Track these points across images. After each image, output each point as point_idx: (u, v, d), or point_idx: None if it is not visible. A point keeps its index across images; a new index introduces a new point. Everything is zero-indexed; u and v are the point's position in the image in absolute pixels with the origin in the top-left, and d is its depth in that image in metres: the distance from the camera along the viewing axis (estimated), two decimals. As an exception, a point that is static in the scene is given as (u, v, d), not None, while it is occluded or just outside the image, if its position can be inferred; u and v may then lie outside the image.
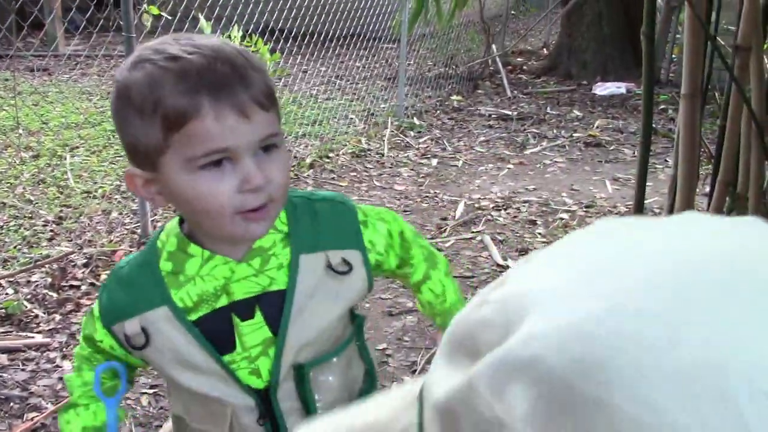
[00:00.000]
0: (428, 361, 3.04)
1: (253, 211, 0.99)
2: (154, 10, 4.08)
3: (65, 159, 5.24)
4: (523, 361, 0.34)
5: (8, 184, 4.78)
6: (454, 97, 7.94)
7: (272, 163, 0.99)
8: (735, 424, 0.30)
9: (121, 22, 3.71)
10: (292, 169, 5.37)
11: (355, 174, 5.49)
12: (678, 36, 8.80)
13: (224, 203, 0.97)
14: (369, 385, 1.23)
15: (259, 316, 1.08)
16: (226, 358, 1.08)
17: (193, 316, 1.07)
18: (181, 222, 1.12)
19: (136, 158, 1.01)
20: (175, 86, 0.93)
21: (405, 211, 4.76)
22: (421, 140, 6.46)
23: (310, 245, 1.10)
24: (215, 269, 1.07)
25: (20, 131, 5.76)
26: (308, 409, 1.11)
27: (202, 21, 4.36)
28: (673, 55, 8.92)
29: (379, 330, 3.31)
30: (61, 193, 4.64)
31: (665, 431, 0.30)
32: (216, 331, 1.08)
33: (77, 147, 5.60)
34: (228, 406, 1.10)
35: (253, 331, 1.08)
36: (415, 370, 2.98)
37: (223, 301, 1.08)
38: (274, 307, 1.08)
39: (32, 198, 4.51)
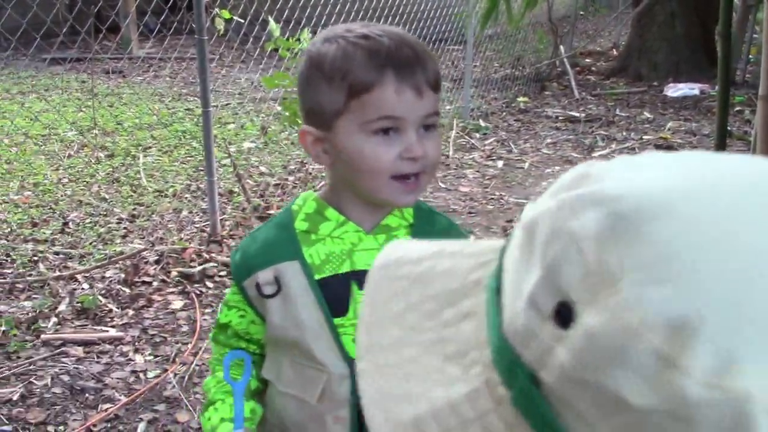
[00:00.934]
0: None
1: (406, 178, 1.12)
2: (226, 14, 4.17)
3: (138, 159, 5.39)
4: (609, 195, 0.41)
5: (84, 183, 4.95)
6: (520, 99, 7.87)
7: (430, 140, 1.13)
8: None
9: (194, 25, 3.80)
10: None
11: (420, 175, 5.49)
12: (755, 36, 8.52)
13: (385, 166, 1.10)
14: None
15: None
16: (337, 321, 1.16)
17: (318, 276, 1.17)
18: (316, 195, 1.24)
19: (313, 118, 1.15)
20: (365, 60, 1.08)
21: (470, 212, 4.74)
22: (486, 142, 6.42)
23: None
24: (346, 234, 1.18)
25: (96, 131, 5.95)
26: None
27: (272, 23, 4.42)
28: (750, 56, 8.64)
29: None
30: (134, 191, 4.78)
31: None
32: (334, 294, 1.17)
33: (150, 147, 5.76)
34: (324, 372, 1.16)
35: None
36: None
37: (346, 267, 1.18)
38: None
39: (107, 196, 4.66)
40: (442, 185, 5.27)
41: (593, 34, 10.24)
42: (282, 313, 1.18)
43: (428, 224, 1.24)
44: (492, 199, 5.02)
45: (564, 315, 0.41)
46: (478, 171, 5.63)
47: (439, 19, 7.52)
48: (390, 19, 6.72)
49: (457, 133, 6.53)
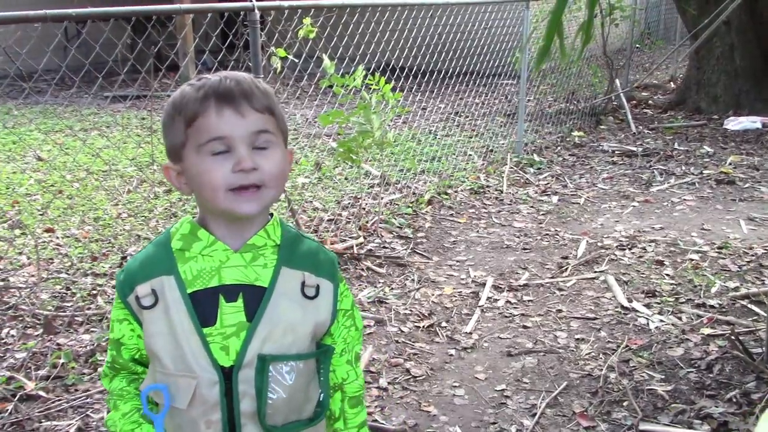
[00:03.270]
0: (549, 405, 2.94)
1: (243, 189, 1.24)
2: (282, 53, 4.23)
3: (195, 194, 5.47)
4: None
5: (143, 218, 5.04)
6: (575, 133, 7.78)
7: (263, 157, 1.25)
8: None
9: (250, 64, 3.87)
10: (411, 204, 5.40)
11: (473, 210, 5.45)
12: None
13: (219, 180, 1.23)
14: (316, 416, 1.36)
15: (240, 301, 1.28)
16: (206, 330, 1.27)
17: (190, 289, 1.28)
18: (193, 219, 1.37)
19: (170, 154, 1.31)
20: (193, 95, 1.26)
21: (525, 248, 4.68)
22: (541, 177, 6.35)
23: (292, 262, 1.33)
24: (215, 252, 1.30)
25: (154, 167, 6.08)
26: (260, 398, 1.27)
27: (327, 61, 4.48)
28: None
29: (498, 370, 3.23)
30: (191, 226, 4.84)
31: None
32: (203, 306, 1.28)
33: (206, 182, 5.84)
34: (194, 378, 1.26)
35: (232, 313, 1.28)
36: (535, 414, 2.88)
37: (215, 282, 1.29)
38: (253, 298, 1.29)
39: (163, 230, 4.73)
40: (496, 220, 5.22)
41: (649, 67, 10.11)
42: (158, 322, 1.28)
43: (294, 245, 1.35)
44: (547, 235, 4.94)
45: None
46: (532, 206, 5.56)
47: (492, 54, 7.52)
48: (443, 55, 6.74)
49: (511, 167, 6.48)
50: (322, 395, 1.37)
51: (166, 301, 1.28)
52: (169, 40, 5.77)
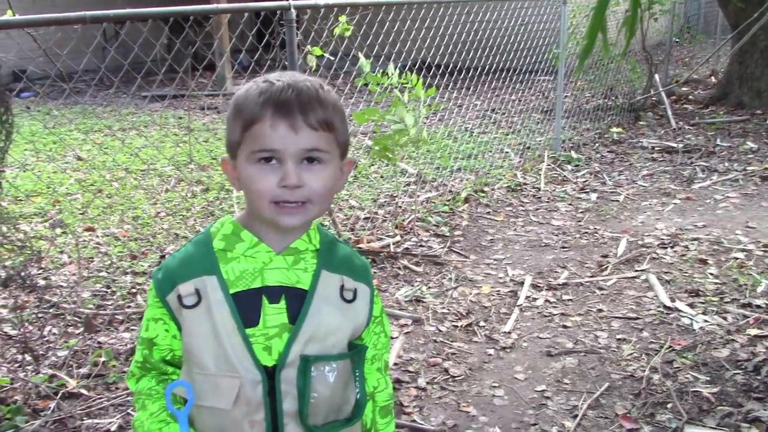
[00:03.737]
0: (590, 407, 2.89)
1: (287, 203, 1.24)
2: (318, 51, 4.22)
3: (232, 193, 5.51)
4: None
5: (181, 216, 5.08)
6: (613, 129, 7.67)
7: (311, 173, 1.25)
8: None
9: (286, 63, 3.87)
10: (447, 203, 5.36)
11: (510, 208, 5.40)
12: None
13: (264, 190, 1.24)
14: (354, 416, 1.37)
15: (283, 303, 1.29)
16: (248, 330, 1.27)
17: (233, 290, 1.29)
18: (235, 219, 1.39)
19: (229, 149, 1.32)
20: (254, 99, 1.25)
21: (563, 247, 4.61)
22: (579, 174, 6.27)
23: (331, 266, 1.35)
24: (258, 254, 1.31)
25: (192, 166, 6.14)
26: (302, 398, 1.27)
27: (362, 59, 4.46)
28: None
29: (538, 370, 3.19)
30: (228, 225, 4.86)
31: None
32: (246, 306, 1.28)
33: (243, 181, 5.87)
34: (238, 378, 1.26)
35: (274, 314, 1.29)
36: (576, 415, 2.83)
37: (257, 283, 1.29)
38: (295, 301, 1.30)
39: (201, 230, 4.76)
40: (534, 218, 5.16)
41: (690, 61, 9.91)
42: (200, 322, 1.28)
43: (331, 250, 1.37)
44: (586, 233, 4.87)
45: None
46: (570, 204, 5.49)
47: (529, 50, 7.44)
48: (479, 51, 6.68)
49: (549, 165, 6.40)
50: (359, 395, 1.38)
51: (208, 301, 1.28)
52: (206, 39, 5.80)
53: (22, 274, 2.94)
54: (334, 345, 1.32)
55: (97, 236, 4.71)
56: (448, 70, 5.83)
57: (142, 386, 1.38)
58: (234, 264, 1.30)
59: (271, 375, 1.27)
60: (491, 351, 3.36)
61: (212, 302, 1.28)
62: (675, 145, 7.08)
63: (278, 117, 1.23)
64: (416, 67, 4.89)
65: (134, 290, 3.89)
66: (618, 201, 5.54)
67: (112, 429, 2.74)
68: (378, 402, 1.47)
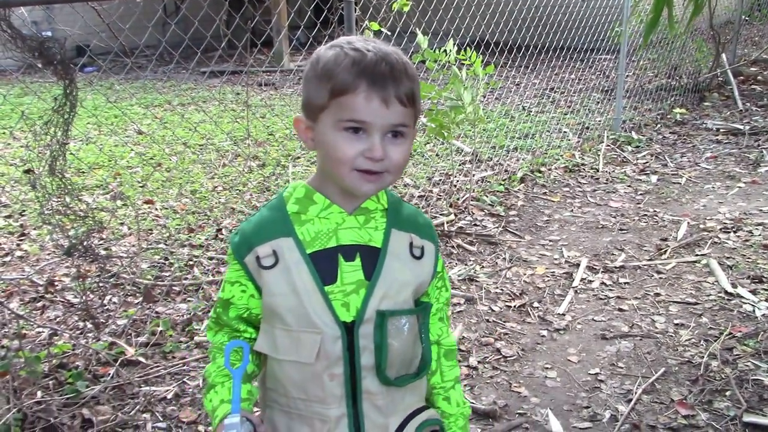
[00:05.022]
0: (645, 391, 2.84)
1: (367, 172, 1.29)
2: (375, 26, 4.20)
3: (288, 168, 5.55)
4: None
5: (237, 191, 5.14)
6: (677, 110, 7.46)
7: (394, 146, 1.29)
8: None
9: (344, 38, 3.85)
10: (503, 182, 5.30)
11: (567, 189, 5.31)
12: None
13: (348, 158, 1.28)
14: (421, 369, 1.42)
15: (358, 261, 1.34)
16: (327, 288, 1.32)
17: (309, 250, 1.34)
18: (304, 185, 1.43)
19: (306, 109, 1.34)
20: (347, 68, 1.26)
21: (621, 229, 4.52)
22: (639, 155, 6.12)
23: (400, 224, 1.40)
24: (331, 215, 1.36)
25: (249, 142, 6.20)
26: (379, 351, 1.32)
27: (420, 36, 4.42)
28: None
29: (592, 353, 3.14)
30: (283, 200, 4.90)
31: None
32: (323, 265, 1.33)
33: (299, 157, 5.92)
34: (319, 334, 1.31)
35: (351, 271, 1.34)
36: (630, 399, 2.79)
37: (333, 242, 1.35)
38: (369, 258, 1.35)
39: (258, 204, 4.82)
40: (591, 200, 5.07)
41: (759, 41, 9.55)
42: (280, 282, 1.33)
43: (398, 209, 1.42)
44: (645, 215, 4.76)
45: None
46: (630, 186, 5.37)
47: (590, 28, 7.28)
48: (538, 29, 6.56)
49: (608, 145, 6.27)
50: (425, 349, 1.42)
51: (286, 262, 1.34)
52: (265, 15, 5.83)
53: (85, 243, 3.01)
54: (405, 300, 1.37)
55: (156, 209, 4.80)
56: (507, 47, 5.74)
57: (216, 339, 1.46)
58: (308, 225, 1.36)
59: (349, 330, 1.32)
60: (544, 332, 3.33)
61: (290, 262, 1.33)
62: (741, 127, 6.85)
63: (373, 90, 1.25)
64: (474, 44, 4.82)
65: (191, 262, 3.96)
66: (679, 183, 5.40)
67: (169, 396, 2.81)
68: (443, 345, 1.51)
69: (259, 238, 1.36)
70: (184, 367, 2.99)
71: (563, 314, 3.48)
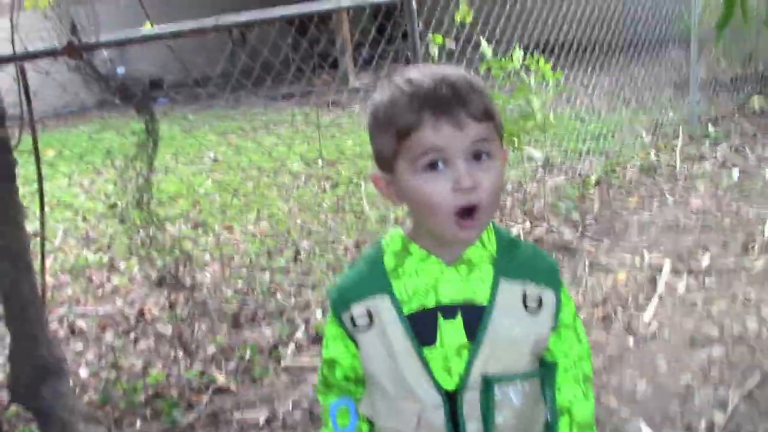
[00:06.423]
0: (743, 399, 2.75)
1: (466, 216, 1.14)
2: (439, 39, 4.22)
3: (361, 187, 5.61)
4: None
5: (312, 212, 5.23)
6: (755, 100, 7.21)
7: (482, 171, 1.14)
8: None
9: (409, 54, 3.88)
10: (577, 186, 5.23)
11: (644, 189, 5.20)
12: None
13: (441, 200, 1.14)
14: None
15: (459, 319, 1.20)
16: (425, 350, 1.21)
17: (406, 310, 1.22)
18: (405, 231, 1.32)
19: (380, 163, 1.23)
20: (406, 105, 1.14)
21: (704, 228, 4.40)
22: (718, 149, 5.94)
23: (510, 272, 1.24)
24: (429, 267, 1.23)
25: (320, 162, 6.29)
26: (486, 421, 1.20)
27: (484, 44, 4.42)
28: None
29: (681, 361, 3.07)
30: (358, 218, 4.97)
31: None
32: (421, 325, 1.21)
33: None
34: (417, 402, 1.21)
35: (452, 332, 1.20)
36: (726, 407, 2.71)
37: (431, 299, 1.22)
38: (473, 316, 1.21)
39: (333, 225, 4.89)
40: (670, 198, 4.95)
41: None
42: (375, 345, 1.24)
43: (511, 253, 1.26)
44: (729, 212, 4.62)
45: None
46: (710, 181, 5.22)
47: (658, 21, 7.11)
48: (603, 23, 6.45)
49: (684, 141, 6.11)
50: (549, 416, 1.28)
51: (382, 322, 1.23)
52: (329, 36, 5.92)
53: (173, 273, 3.12)
54: (517, 361, 1.23)
55: (235, 235, 4.92)
56: (572, 48, 5.67)
57: (327, 402, 1.38)
58: (406, 280, 1.24)
59: (452, 397, 1.21)
60: (630, 341, 3.27)
61: (386, 323, 1.23)
62: (825, 112, 6.58)
63: (440, 117, 1.12)
64: (539, 48, 4.78)
65: (273, 289, 4.04)
66: (764, 177, 5.21)
67: (261, 422, 2.88)
68: (575, 416, 1.31)
69: (354, 294, 1.26)
70: (274, 393, 3.06)
71: (649, 321, 3.41)
